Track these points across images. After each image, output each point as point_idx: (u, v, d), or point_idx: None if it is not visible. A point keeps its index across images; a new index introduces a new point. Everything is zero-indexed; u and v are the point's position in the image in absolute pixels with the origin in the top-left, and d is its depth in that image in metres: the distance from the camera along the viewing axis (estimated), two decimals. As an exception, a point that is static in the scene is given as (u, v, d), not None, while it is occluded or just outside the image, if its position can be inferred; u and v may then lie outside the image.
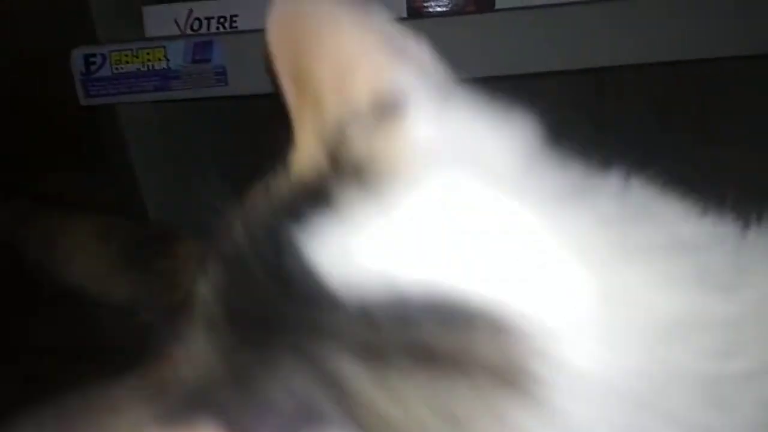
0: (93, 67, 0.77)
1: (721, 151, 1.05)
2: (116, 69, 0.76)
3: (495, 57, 0.75)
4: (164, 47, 0.76)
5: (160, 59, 0.76)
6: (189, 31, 0.81)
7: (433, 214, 0.24)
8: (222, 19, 0.81)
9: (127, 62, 0.76)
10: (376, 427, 0.21)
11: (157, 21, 0.82)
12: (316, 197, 0.25)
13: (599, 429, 0.22)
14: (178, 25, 0.82)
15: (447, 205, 0.24)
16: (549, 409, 0.22)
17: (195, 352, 0.23)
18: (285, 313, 0.23)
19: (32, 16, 0.88)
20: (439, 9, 0.78)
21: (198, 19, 0.81)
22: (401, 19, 0.77)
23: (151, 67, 0.76)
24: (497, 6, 0.77)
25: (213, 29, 0.81)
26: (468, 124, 0.27)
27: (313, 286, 0.22)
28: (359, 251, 0.23)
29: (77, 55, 0.77)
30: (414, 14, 0.78)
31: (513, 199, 0.25)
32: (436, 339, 0.21)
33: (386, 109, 0.26)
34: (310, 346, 0.22)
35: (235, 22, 0.81)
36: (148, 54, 0.76)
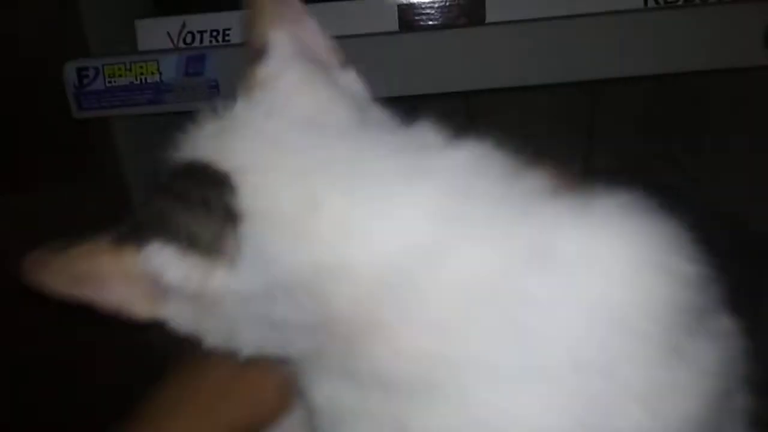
0: (86, 80, 0.77)
1: (711, 160, 1.06)
2: (109, 82, 0.77)
3: (485, 70, 0.76)
4: (157, 61, 0.76)
5: (153, 72, 0.76)
6: (182, 45, 0.82)
7: (254, 120, 0.36)
8: (214, 33, 0.82)
9: (120, 75, 0.77)
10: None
11: (150, 34, 0.82)
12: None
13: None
14: (171, 38, 0.82)
15: (266, 116, 0.36)
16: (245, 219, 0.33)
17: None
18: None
19: (25, 29, 0.88)
20: (430, 22, 0.79)
21: (191, 32, 0.82)
22: (393, 33, 0.78)
23: (144, 81, 0.76)
24: (488, 19, 0.78)
25: (206, 42, 0.82)
26: (306, 81, 0.38)
27: (189, 161, 0.36)
28: (211, 136, 0.36)
29: (70, 69, 0.77)
30: (406, 27, 0.78)
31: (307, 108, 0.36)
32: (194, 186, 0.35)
33: (258, 53, 0.39)
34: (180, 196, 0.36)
35: (227, 35, 0.81)
36: (141, 67, 0.76)
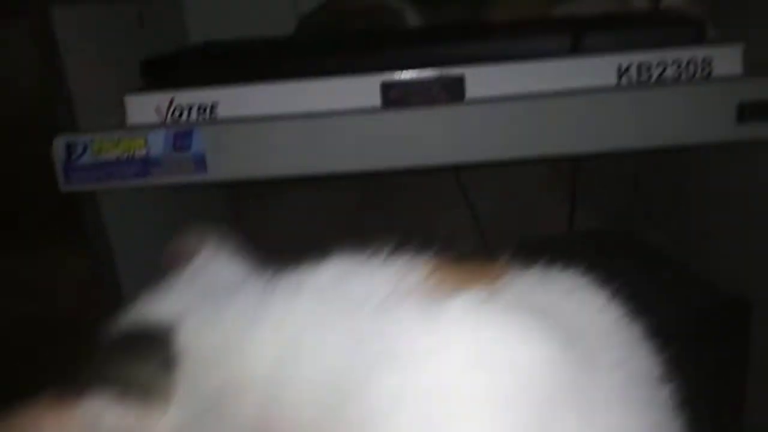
0: (74, 156, 0.78)
1: (694, 220, 1.08)
2: (97, 157, 0.78)
3: (467, 144, 0.78)
4: (145, 137, 0.78)
5: (140, 147, 0.78)
6: (170, 119, 0.84)
7: (187, 288, 0.44)
8: (202, 108, 0.83)
9: (108, 150, 0.78)
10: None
11: (138, 109, 0.84)
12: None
13: None
14: (159, 113, 0.84)
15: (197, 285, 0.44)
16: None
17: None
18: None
19: (15, 102, 0.90)
20: (412, 99, 0.81)
21: (180, 106, 0.84)
22: (375, 109, 0.81)
23: (131, 155, 0.78)
24: (467, 95, 0.80)
25: (194, 116, 0.83)
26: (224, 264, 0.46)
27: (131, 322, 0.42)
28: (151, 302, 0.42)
29: (59, 143, 0.79)
30: (388, 104, 0.81)
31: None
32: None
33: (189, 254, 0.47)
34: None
35: (215, 109, 0.83)
36: (129, 142, 0.78)
